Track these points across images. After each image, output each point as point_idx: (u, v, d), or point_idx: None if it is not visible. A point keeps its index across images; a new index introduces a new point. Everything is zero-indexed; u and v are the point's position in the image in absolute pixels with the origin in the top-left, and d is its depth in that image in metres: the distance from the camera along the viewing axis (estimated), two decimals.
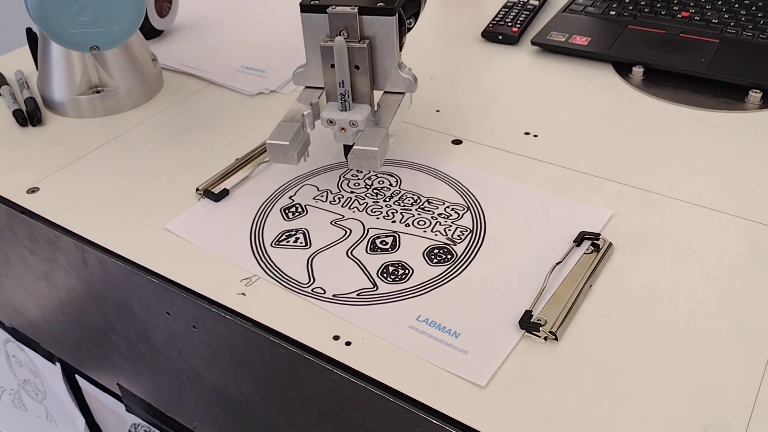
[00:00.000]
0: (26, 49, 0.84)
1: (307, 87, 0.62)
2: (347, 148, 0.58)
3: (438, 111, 0.74)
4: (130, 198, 0.63)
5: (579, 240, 0.55)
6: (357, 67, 0.57)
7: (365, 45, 0.57)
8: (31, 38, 0.80)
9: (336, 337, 0.49)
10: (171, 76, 0.83)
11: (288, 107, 0.60)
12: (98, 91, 0.75)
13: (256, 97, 0.77)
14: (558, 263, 0.53)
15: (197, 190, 0.63)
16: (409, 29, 0.64)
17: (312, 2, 0.57)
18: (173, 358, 0.62)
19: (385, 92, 0.61)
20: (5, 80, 0.81)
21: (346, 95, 0.57)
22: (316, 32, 0.58)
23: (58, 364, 0.82)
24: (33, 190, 0.65)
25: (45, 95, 0.76)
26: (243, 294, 0.53)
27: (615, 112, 0.72)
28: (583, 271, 0.52)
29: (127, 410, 0.76)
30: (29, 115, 0.74)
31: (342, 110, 0.58)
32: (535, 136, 0.69)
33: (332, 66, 0.57)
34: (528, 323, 0.48)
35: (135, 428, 0.78)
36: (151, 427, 0.74)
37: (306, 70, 0.60)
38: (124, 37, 0.65)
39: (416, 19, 0.65)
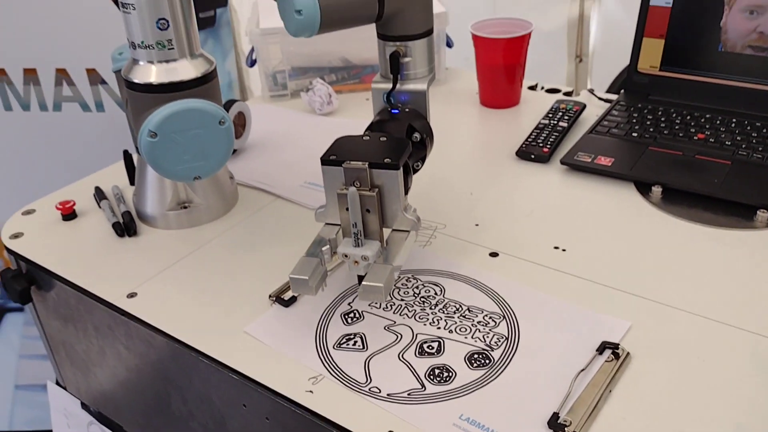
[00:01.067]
0: (118, 165, 0.98)
1: (327, 224, 0.72)
2: (360, 278, 0.68)
3: (477, 225, 0.84)
4: (212, 303, 0.74)
5: (601, 349, 0.63)
6: (368, 210, 0.67)
7: (375, 193, 0.66)
8: (128, 159, 0.93)
9: None
10: (245, 190, 0.95)
11: (311, 240, 0.70)
12: (185, 207, 0.87)
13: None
14: (582, 370, 0.61)
15: (270, 296, 0.74)
16: (417, 170, 0.75)
17: (331, 157, 0.68)
18: None
19: (393, 230, 0.70)
20: (104, 195, 0.94)
21: (359, 234, 0.67)
22: (334, 181, 0.68)
23: None
24: (132, 295, 0.76)
25: (139, 209, 0.89)
26: (311, 391, 0.62)
27: (636, 229, 0.81)
28: (604, 378, 0.60)
29: None
30: (126, 227, 0.87)
31: (355, 246, 0.67)
32: (564, 250, 0.78)
33: (347, 209, 0.67)
34: (555, 424, 0.56)
35: None
36: None
37: (326, 210, 0.70)
38: (219, 166, 0.78)
39: (423, 161, 0.76)
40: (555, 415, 0.57)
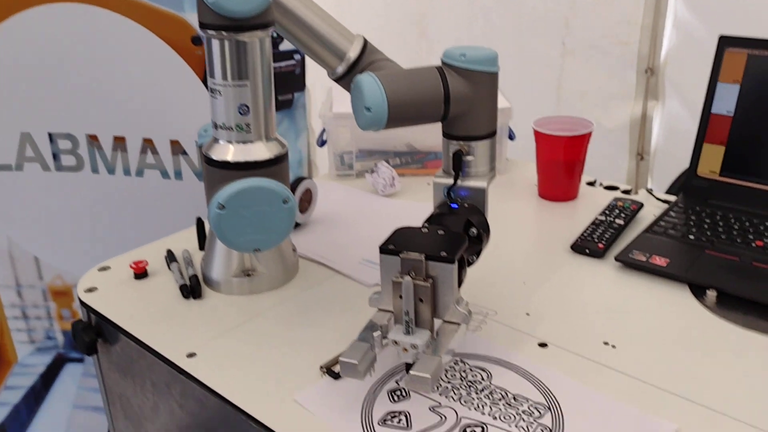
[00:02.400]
0: (191, 230, 1.04)
1: (380, 309, 0.74)
2: (408, 366, 0.69)
3: (528, 314, 0.85)
4: (266, 369, 0.77)
5: None
6: (421, 300, 0.69)
7: (429, 284, 0.69)
8: (200, 225, 0.99)
9: None
10: (305, 263, 0.99)
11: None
12: (248, 275, 0.92)
13: (373, 288, 0.92)
14: None
15: (321, 367, 0.76)
16: (471, 264, 0.77)
17: (389, 246, 0.71)
18: None
19: (444, 321, 0.71)
20: (175, 258, 1.00)
21: (410, 322, 0.69)
22: (391, 269, 0.71)
23: None
24: (191, 355, 0.80)
25: (206, 274, 0.94)
26: None
27: (688, 331, 0.81)
28: None
29: None
30: (192, 290, 0.92)
31: (406, 333, 0.69)
32: (614, 346, 0.79)
33: (400, 297, 0.69)
34: None
35: None
36: None
37: (381, 297, 0.73)
38: (280, 240, 0.83)
39: (478, 255, 0.78)
40: None
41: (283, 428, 0.68)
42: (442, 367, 0.67)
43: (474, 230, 0.77)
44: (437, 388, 0.73)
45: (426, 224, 0.77)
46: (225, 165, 0.82)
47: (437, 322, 0.72)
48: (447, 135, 0.78)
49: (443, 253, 0.69)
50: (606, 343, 0.79)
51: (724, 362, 0.75)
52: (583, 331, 0.82)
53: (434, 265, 0.69)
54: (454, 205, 0.79)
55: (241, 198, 0.79)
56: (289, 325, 0.85)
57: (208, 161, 0.83)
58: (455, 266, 0.69)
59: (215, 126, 0.83)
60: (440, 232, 0.73)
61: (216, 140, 0.84)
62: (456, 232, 0.74)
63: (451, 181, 0.78)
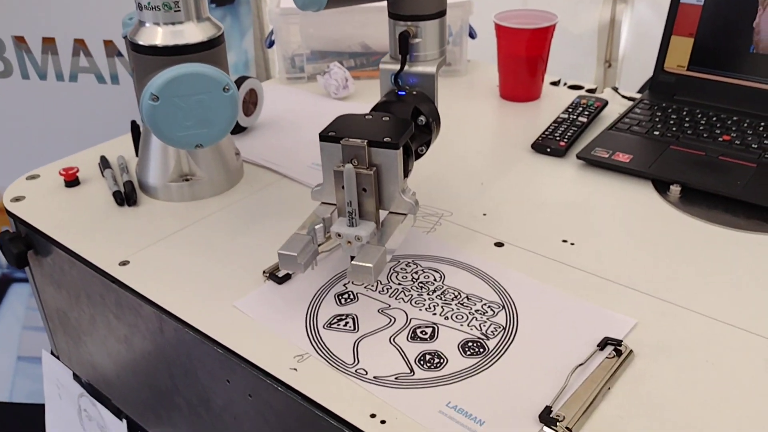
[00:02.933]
0: (127, 137, 0.96)
1: (323, 203, 0.69)
2: (353, 259, 0.65)
3: (485, 215, 0.81)
4: (205, 275, 0.72)
5: (602, 345, 0.60)
6: (364, 190, 0.65)
7: (372, 172, 0.64)
8: (134, 130, 0.92)
9: (373, 415, 0.55)
10: (250, 168, 0.93)
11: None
12: (187, 179, 0.86)
13: None
14: (580, 365, 0.58)
15: (264, 272, 0.71)
16: (421, 155, 0.72)
17: (330, 133, 0.65)
18: (229, 423, 0.68)
19: (390, 212, 0.67)
20: (108, 164, 0.93)
21: (354, 213, 0.64)
22: (332, 158, 0.66)
23: (124, 421, 0.90)
24: (124, 263, 0.74)
25: (141, 180, 0.87)
26: (295, 369, 0.60)
27: (650, 227, 0.77)
28: (603, 374, 0.57)
29: None
30: (126, 196, 0.85)
31: (349, 226, 0.65)
32: (572, 244, 0.75)
33: (343, 188, 0.64)
34: (547, 418, 0.53)
35: None
36: None
37: (322, 189, 0.68)
38: (222, 135, 0.76)
39: (428, 146, 0.73)
40: (547, 409, 0.54)
41: (220, 335, 0.64)
42: (386, 258, 0.63)
43: (423, 119, 0.71)
44: (387, 289, 0.69)
45: (371, 112, 0.71)
46: (154, 50, 0.74)
47: (383, 214, 0.67)
48: (393, 15, 0.71)
49: (387, 139, 0.63)
50: (564, 241, 0.75)
51: (688, 256, 0.72)
52: (542, 229, 0.78)
53: (377, 151, 0.64)
54: (402, 93, 0.73)
55: (176, 87, 0.71)
56: (231, 232, 0.80)
57: (135, 48, 0.75)
58: (399, 152, 0.64)
59: (139, 7, 0.74)
60: (385, 118, 0.67)
61: (142, 23, 0.76)
62: (402, 119, 0.68)
63: (398, 66, 0.72)
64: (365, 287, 0.69)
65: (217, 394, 0.68)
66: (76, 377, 0.96)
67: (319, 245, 0.68)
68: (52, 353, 0.99)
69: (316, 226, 0.66)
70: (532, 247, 0.75)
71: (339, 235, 0.65)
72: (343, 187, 0.64)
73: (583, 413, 0.53)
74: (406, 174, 0.67)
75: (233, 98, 0.74)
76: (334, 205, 0.68)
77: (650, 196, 0.83)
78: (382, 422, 0.54)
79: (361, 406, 0.56)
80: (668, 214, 0.80)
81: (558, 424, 0.52)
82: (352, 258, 0.65)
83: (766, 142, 0.89)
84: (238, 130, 1.01)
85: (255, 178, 0.91)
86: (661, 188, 0.84)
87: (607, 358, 0.59)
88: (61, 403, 1.02)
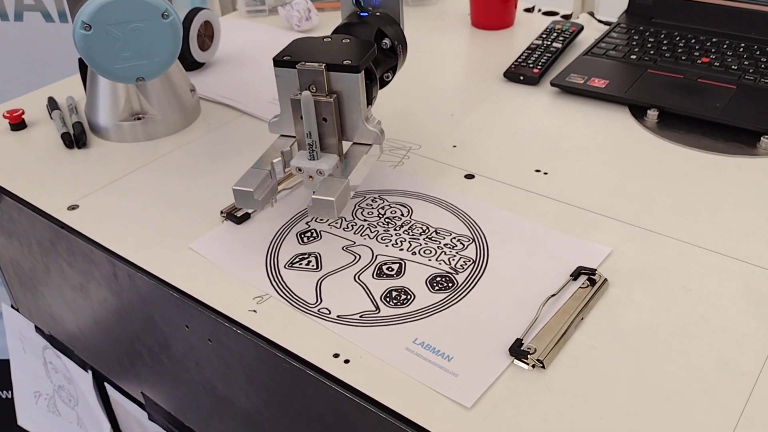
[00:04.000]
0: (78, 78, 0.91)
1: (282, 135, 0.65)
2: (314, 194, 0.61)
3: (455, 146, 0.77)
4: (160, 218, 0.68)
5: (576, 274, 0.57)
6: (324, 120, 0.60)
7: (332, 99, 0.59)
8: (82, 67, 0.86)
9: (336, 355, 0.52)
10: (208, 105, 0.88)
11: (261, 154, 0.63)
12: (139, 118, 0.81)
13: None
14: (552, 295, 0.55)
15: (221, 212, 0.68)
16: (387, 83, 0.67)
17: (284, 58, 0.60)
18: (191, 369, 0.66)
19: (354, 143, 0.63)
20: (57, 105, 0.87)
21: (314, 145, 0.60)
22: (288, 85, 0.61)
23: (89, 372, 0.87)
24: (73, 207, 0.70)
25: (91, 120, 0.82)
26: (254, 311, 0.57)
27: (626, 154, 0.74)
28: (576, 304, 0.55)
29: (150, 418, 0.80)
30: (75, 138, 0.80)
31: (310, 159, 0.61)
32: (546, 173, 0.72)
33: (301, 117, 0.60)
34: (517, 351, 0.51)
35: None
36: None
37: (280, 120, 0.63)
38: (165, 67, 0.71)
39: (394, 72, 0.68)
40: (518, 341, 0.51)
41: (175, 278, 0.60)
42: (349, 192, 0.59)
43: (387, 42, 0.67)
44: (352, 226, 0.65)
45: (330, 35, 0.66)
46: None
47: (346, 146, 0.63)
48: None
49: (347, 62, 0.59)
50: (538, 171, 0.72)
51: (664, 182, 0.69)
52: (514, 160, 0.74)
53: (337, 76, 0.59)
54: (364, 14, 0.68)
55: (109, 13, 0.66)
56: (187, 172, 0.75)
57: None
58: (361, 76, 0.59)
59: None
60: (345, 41, 0.63)
61: None
62: (364, 41, 0.64)
63: None
64: (328, 224, 0.66)
65: (177, 341, 0.65)
66: (38, 330, 0.93)
67: (279, 182, 0.64)
68: (12, 307, 0.96)
69: (274, 160, 0.62)
70: (504, 178, 0.71)
71: (299, 170, 0.61)
72: (301, 117, 0.60)
73: (555, 345, 0.51)
74: (369, 101, 0.63)
75: (174, 26, 0.69)
76: (293, 137, 0.64)
77: (627, 122, 0.80)
78: (346, 362, 0.51)
79: (324, 346, 0.53)
80: (645, 140, 0.76)
81: (529, 356, 0.50)
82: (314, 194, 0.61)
83: (745, 63, 0.86)
84: (194, 65, 0.95)
85: (212, 116, 0.86)
86: (638, 114, 0.81)
87: (580, 288, 0.56)
88: (26, 357, 0.99)
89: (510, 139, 0.78)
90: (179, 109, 0.82)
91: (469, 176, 0.72)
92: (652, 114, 0.79)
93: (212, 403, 0.67)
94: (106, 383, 0.86)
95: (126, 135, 0.81)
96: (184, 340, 0.63)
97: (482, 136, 0.79)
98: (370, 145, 0.63)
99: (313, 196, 0.58)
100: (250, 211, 0.68)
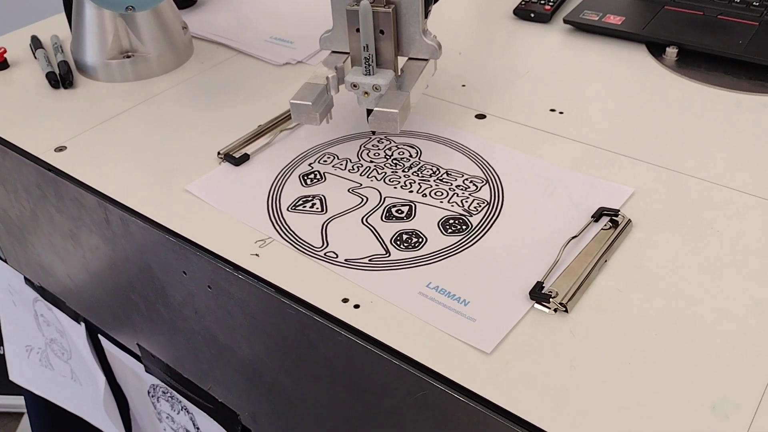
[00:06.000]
0: (63, 15, 0.86)
1: (333, 52, 0.62)
2: (370, 112, 0.59)
3: (464, 86, 0.73)
4: (153, 160, 0.64)
5: (597, 216, 0.54)
6: (382, 32, 0.58)
7: (390, 10, 0.57)
8: (67, 3, 0.81)
9: (345, 300, 0.49)
10: (201, 44, 0.83)
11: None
12: (129, 56, 0.76)
13: (283, 68, 0.78)
14: (574, 237, 0.52)
15: (218, 153, 0.64)
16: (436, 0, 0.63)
17: None
18: (189, 318, 0.63)
19: (410, 58, 0.61)
20: (41, 44, 0.82)
21: (371, 59, 0.58)
22: None
23: (82, 324, 0.84)
24: (60, 149, 0.66)
25: (78, 59, 0.78)
26: (256, 255, 0.53)
27: (645, 92, 0.70)
28: (599, 246, 0.51)
29: (146, 371, 0.77)
30: (61, 78, 0.76)
31: (366, 74, 0.58)
32: (561, 113, 0.68)
33: (357, 30, 0.58)
34: (538, 294, 0.48)
35: (154, 389, 0.79)
36: (169, 388, 0.76)
37: (332, 35, 0.61)
38: None
39: None
40: (538, 285, 0.48)
41: (171, 222, 0.57)
42: (409, 107, 0.58)
43: None
44: (357, 168, 0.62)
45: None
46: None
47: (401, 62, 0.61)
48: None
49: None
50: (553, 110, 0.68)
51: (685, 121, 0.66)
52: (527, 99, 0.70)
53: None
54: None
55: None
56: (180, 112, 0.71)
57: None
58: None
59: None
60: None
61: None
62: None
63: None
64: (333, 166, 0.62)
65: (175, 288, 0.61)
66: (28, 281, 0.89)
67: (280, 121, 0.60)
68: (0, 258, 0.92)
69: (330, 75, 0.60)
70: (517, 117, 0.67)
71: (354, 86, 0.59)
72: (357, 30, 0.58)
73: (578, 288, 0.48)
74: (426, 14, 0.60)
75: None
76: (346, 53, 0.61)
77: (645, 61, 0.76)
78: (356, 306, 0.48)
79: (332, 292, 0.50)
80: (664, 79, 0.73)
81: (551, 300, 0.47)
82: (369, 111, 0.60)
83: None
84: (188, 3, 0.90)
85: (206, 55, 0.81)
86: (656, 51, 0.77)
87: (602, 229, 0.53)
88: (16, 310, 0.96)
89: (522, 79, 0.74)
90: (171, 47, 0.78)
91: (480, 116, 0.68)
92: (671, 51, 0.75)
93: (212, 354, 0.64)
94: (100, 335, 0.83)
95: (115, 74, 0.76)
96: (182, 287, 0.60)
97: (492, 76, 0.75)
98: (426, 60, 0.60)
99: (376, 109, 0.56)
100: (249, 152, 0.64)
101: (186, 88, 0.75)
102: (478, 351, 0.45)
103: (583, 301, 0.48)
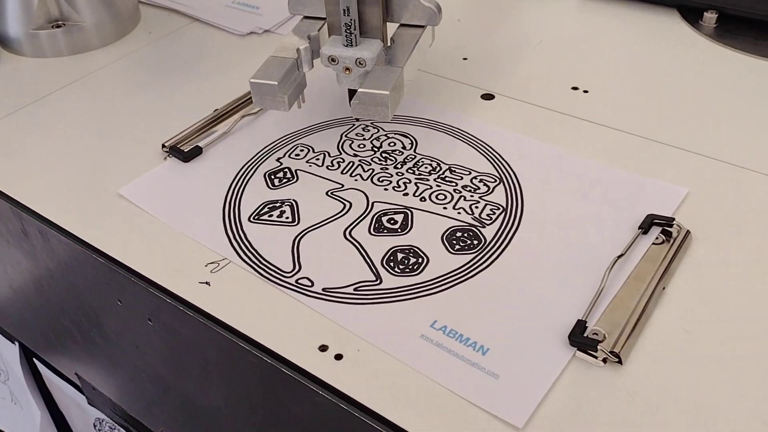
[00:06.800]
0: None
1: (306, 17, 0.50)
2: (353, 94, 0.46)
3: (465, 59, 0.61)
4: (84, 154, 0.51)
5: (646, 226, 0.42)
6: None
7: None
8: None
9: (323, 348, 0.37)
10: (149, 10, 0.70)
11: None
12: (60, 26, 0.63)
13: (247, 38, 0.65)
14: (620, 256, 0.40)
15: (163, 146, 0.51)
16: None
17: None
18: (130, 353, 0.50)
19: (401, 25, 0.49)
20: None
21: (353, 27, 0.45)
22: None
23: (17, 344, 0.71)
24: None
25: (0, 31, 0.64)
26: (207, 283, 0.41)
27: (683, 66, 0.58)
28: (653, 268, 0.40)
29: (89, 403, 0.65)
30: None
31: (347, 45, 0.46)
32: (585, 91, 0.56)
33: None
34: (581, 338, 0.36)
35: (100, 423, 0.67)
36: (116, 425, 0.64)
37: None
38: None
39: None
40: (580, 324, 0.36)
41: (98, 237, 0.44)
42: (403, 86, 0.46)
43: None
44: (338, 164, 0.49)
45: None
46: None
47: (391, 29, 0.49)
48: None
49: None
50: (575, 88, 0.56)
51: (735, 101, 0.54)
52: (543, 75, 0.58)
53: None
54: None
55: None
56: (121, 94, 0.58)
57: None
58: None
59: None
60: None
61: None
62: None
63: None
64: (306, 162, 0.50)
65: (110, 317, 0.49)
66: None
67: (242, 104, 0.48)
68: None
69: (301, 47, 0.47)
70: (533, 98, 0.55)
71: (332, 60, 0.46)
72: None
73: (633, 328, 0.36)
74: None
75: None
76: (322, 18, 0.49)
77: (678, 28, 0.64)
78: (338, 357, 0.36)
79: (306, 334, 0.38)
80: (704, 49, 0.60)
81: (598, 347, 0.35)
82: (351, 92, 0.47)
83: None
84: None
85: (155, 23, 0.68)
86: (691, 17, 0.65)
87: (654, 244, 0.41)
88: None
89: (534, 51, 0.62)
90: (111, 13, 0.64)
91: (488, 96, 0.56)
92: (710, 17, 0.63)
93: (161, 395, 0.52)
94: (35, 359, 0.70)
95: (44, 47, 0.63)
96: (118, 317, 0.48)
97: (499, 47, 0.62)
98: (422, 27, 0.48)
99: (360, 89, 0.43)
100: (202, 145, 0.51)
101: (129, 64, 0.62)
102: (504, 423, 0.33)
103: (641, 347, 0.36)
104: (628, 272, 0.40)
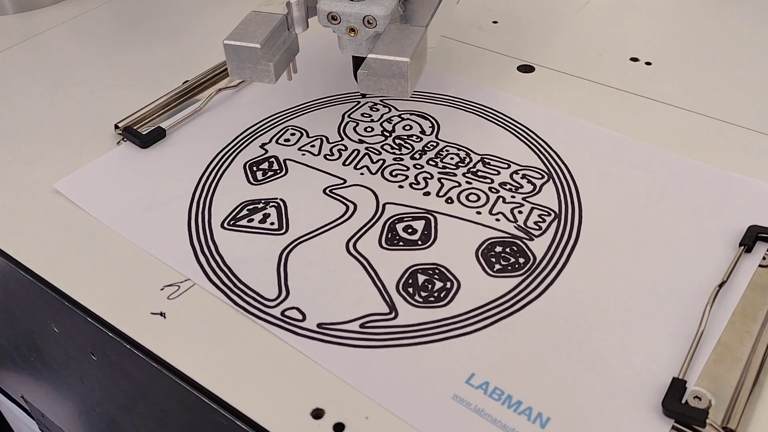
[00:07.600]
0: None
1: None
2: (359, 62, 0.35)
3: (495, 22, 0.50)
4: (18, 135, 0.41)
5: (749, 241, 0.32)
6: None
7: None
8: None
9: (318, 414, 0.26)
10: None
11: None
12: None
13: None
14: (722, 284, 0.30)
15: (116, 127, 0.40)
16: None
17: None
18: (76, 387, 0.40)
19: None
20: None
21: None
22: None
23: None
24: None
25: None
26: (161, 314, 0.30)
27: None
28: (764, 300, 0.29)
29: (41, 429, 0.55)
30: None
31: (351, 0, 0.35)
32: (648, 63, 0.45)
33: None
34: (680, 406, 0.25)
35: None
36: None
37: None
38: None
39: None
40: (677, 385, 0.26)
41: (25, 249, 0.34)
42: (426, 51, 0.35)
43: None
44: (339, 151, 0.39)
45: None
46: None
47: None
48: None
49: None
50: (634, 60, 0.45)
51: None
52: (593, 43, 0.47)
53: None
54: None
55: None
56: (70, 60, 0.47)
57: None
58: None
59: None
60: None
61: None
62: None
63: None
64: (298, 150, 0.39)
65: (48, 344, 0.39)
66: None
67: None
68: None
69: (292, 1, 0.36)
70: (583, 71, 0.44)
71: (333, 18, 0.35)
72: None
73: (751, 391, 0.26)
74: None
75: None
76: None
77: None
78: (338, 428, 0.26)
79: (295, 392, 0.27)
80: None
81: (707, 422, 0.25)
82: (357, 60, 0.37)
83: None
84: None
85: None
86: None
87: (760, 266, 0.31)
88: None
89: (580, 13, 0.51)
90: None
91: (526, 68, 0.45)
92: None
93: None
94: None
95: None
96: (57, 345, 0.37)
97: (536, 8, 0.51)
98: None
99: (370, 55, 0.32)
100: (165, 126, 0.40)
101: (85, 24, 0.51)
102: None
103: (760, 418, 0.26)
104: (732, 306, 0.29)
